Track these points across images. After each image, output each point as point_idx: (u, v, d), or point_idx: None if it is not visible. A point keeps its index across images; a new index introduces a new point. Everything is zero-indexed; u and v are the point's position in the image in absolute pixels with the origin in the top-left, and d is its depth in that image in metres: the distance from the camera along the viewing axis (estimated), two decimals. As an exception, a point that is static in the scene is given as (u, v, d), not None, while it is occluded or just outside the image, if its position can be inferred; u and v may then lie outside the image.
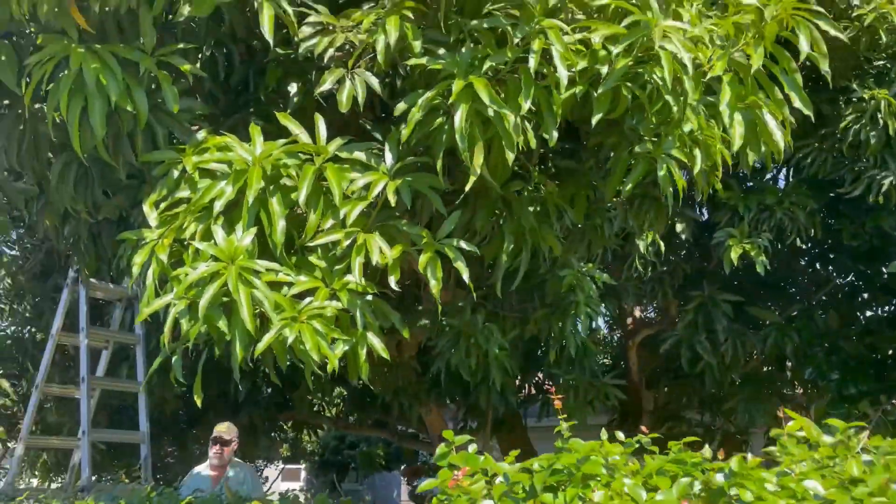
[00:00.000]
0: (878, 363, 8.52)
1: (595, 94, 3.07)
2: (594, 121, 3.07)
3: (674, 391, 11.06)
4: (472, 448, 2.25)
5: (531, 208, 4.28)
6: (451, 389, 9.55)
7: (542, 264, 7.59)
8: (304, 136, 3.23)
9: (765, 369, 9.76)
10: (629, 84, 3.09)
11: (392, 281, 3.07)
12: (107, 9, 3.00)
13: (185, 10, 3.12)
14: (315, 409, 13.62)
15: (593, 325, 7.58)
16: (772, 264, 9.68)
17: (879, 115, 6.36)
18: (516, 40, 2.84)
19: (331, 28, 3.47)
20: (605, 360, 13.45)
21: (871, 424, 7.72)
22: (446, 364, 7.45)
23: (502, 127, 2.78)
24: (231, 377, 4.00)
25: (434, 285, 3.03)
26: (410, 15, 2.96)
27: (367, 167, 3.18)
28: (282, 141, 3.21)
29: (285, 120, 3.26)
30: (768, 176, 8.49)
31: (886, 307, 8.88)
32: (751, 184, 8.09)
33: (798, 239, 7.57)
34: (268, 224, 3.04)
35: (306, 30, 3.49)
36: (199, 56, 3.56)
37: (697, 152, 3.62)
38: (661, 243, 7.40)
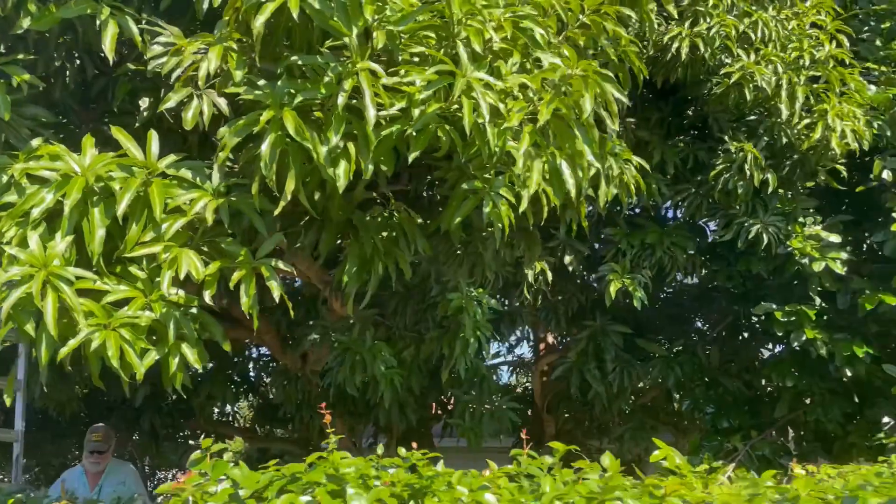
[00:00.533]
0: (753, 400, 8.94)
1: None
2: (410, 158, 3.31)
3: (572, 417, 11.38)
4: (227, 456, 2.43)
5: (384, 233, 4.49)
6: (352, 405, 9.70)
7: (434, 286, 7.84)
8: (135, 151, 3.39)
9: (650, 400, 10.15)
10: (447, 127, 3.34)
11: (206, 296, 3.23)
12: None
13: (25, 23, 3.25)
14: (225, 418, 13.58)
15: (481, 347, 7.78)
16: (660, 300, 10.13)
17: (746, 167, 6.77)
18: (326, 79, 3.05)
19: (182, 49, 3.64)
20: (524, 384, 13.82)
21: (738, 458, 8.10)
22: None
23: (306, 157, 2.98)
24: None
25: (245, 302, 3.20)
26: (234, 46, 3.15)
27: (194, 185, 3.34)
28: (112, 154, 3.35)
29: (118, 134, 3.41)
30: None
31: (763, 347, 9.34)
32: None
33: (678, 277, 7.97)
34: (88, 233, 3.18)
35: (156, 48, 3.65)
36: (48, 67, 3.68)
37: (525, 192, 3.89)
38: (549, 273, 7.66)
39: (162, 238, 3.22)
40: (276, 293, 3.28)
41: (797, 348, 7.33)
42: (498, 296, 8.32)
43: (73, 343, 3.04)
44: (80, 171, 3.26)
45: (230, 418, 13.84)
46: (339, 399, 9.43)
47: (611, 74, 3.51)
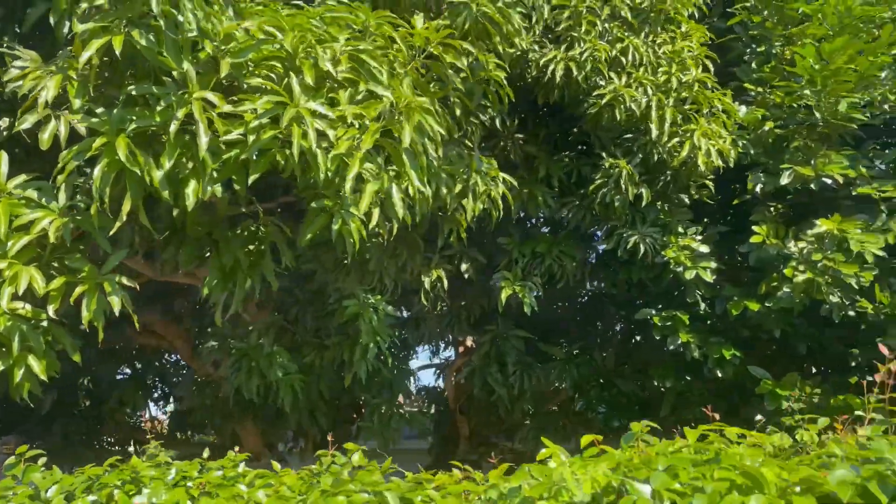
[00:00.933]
0: (645, 400, 9.41)
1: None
2: (250, 180, 3.56)
3: (482, 418, 11.74)
4: (42, 461, 2.66)
5: (251, 246, 4.74)
6: (261, 410, 9.89)
7: (332, 294, 8.08)
8: (-15, 173, 3.57)
9: (559, 402, 10.55)
10: (287, 151, 3.60)
11: (50, 310, 3.43)
12: None
13: None
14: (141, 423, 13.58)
15: (381, 352, 8.04)
16: (560, 306, 10.57)
17: (622, 182, 7.21)
18: (160, 107, 3.29)
19: (40, 72, 3.82)
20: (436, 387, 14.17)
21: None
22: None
23: (140, 179, 3.22)
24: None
25: (86, 316, 3.41)
26: (73, 75, 3.37)
27: (40, 205, 3.54)
28: (-40, 176, 3.52)
29: (-34, 156, 3.58)
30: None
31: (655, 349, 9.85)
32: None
33: (568, 283, 8.39)
34: (-67, 250, 3.34)
35: (13, 72, 3.83)
36: None
37: (376, 210, 4.19)
38: (444, 280, 7.96)
39: (6, 255, 3.40)
40: (117, 307, 3.50)
41: (676, 351, 7.78)
42: (396, 303, 8.62)
43: (-86, 355, 3.20)
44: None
45: (148, 423, 13.82)
46: (250, 404, 9.62)
47: (430, 108, 3.81)
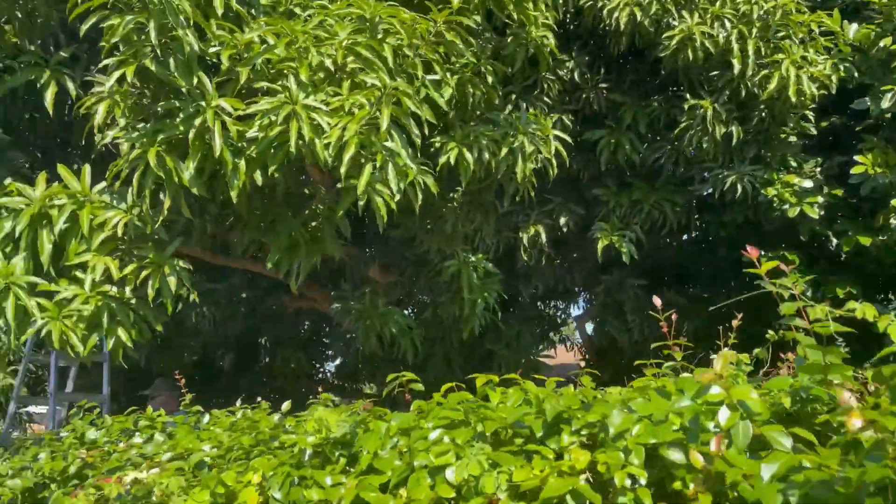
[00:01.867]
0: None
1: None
2: (270, 172, 4.16)
3: (617, 366, 11.85)
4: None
5: (313, 223, 5.39)
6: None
7: (434, 256, 8.64)
8: (74, 182, 4.47)
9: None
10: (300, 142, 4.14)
11: (127, 290, 4.29)
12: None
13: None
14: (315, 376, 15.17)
15: (488, 306, 8.44)
16: (676, 253, 10.34)
17: (707, 122, 7.01)
18: (177, 119, 3.96)
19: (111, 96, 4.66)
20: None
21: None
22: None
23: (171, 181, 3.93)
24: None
25: (150, 294, 4.22)
26: (119, 98, 4.12)
27: (113, 207, 4.38)
28: (56, 186, 4.45)
29: (61, 170, 4.50)
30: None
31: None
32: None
33: (672, 229, 8.27)
34: (40, 249, 4.30)
35: (92, 98, 4.69)
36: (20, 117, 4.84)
37: (399, 184, 4.63)
38: (543, 234, 8.20)
39: (91, 248, 4.28)
40: (173, 286, 4.27)
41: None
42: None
43: (30, 330, 4.18)
44: (31, 202, 4.37)
45: (319, 376, 15.36)
46: (391, 356, 10.53)
47: (409, 91, 4.13)
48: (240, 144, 4.13)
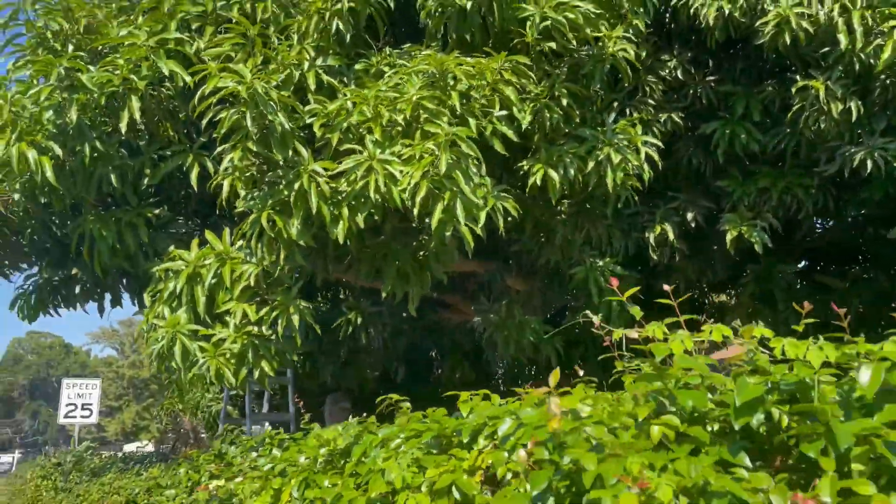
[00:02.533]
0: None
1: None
2: (360, 221, 4.88)
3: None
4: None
5: (421, 253, 6.07)
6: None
7: (562, 264, 8.99)
8: (218, 244, 5.48)
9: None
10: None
11: (264, 328, 5.20)
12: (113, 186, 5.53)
13: (147, 180, 5.53)
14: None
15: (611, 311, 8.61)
16: (830, 234, 9.82)
17: (821, 101, 6.80)
18: (281, 186, 4.79)
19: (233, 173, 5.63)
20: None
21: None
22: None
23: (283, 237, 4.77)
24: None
25: (279, 331, 5.10)
26: (238, 174, 5.04)
27: (247, 262, 5.32)
28: (206, 248, 5.48)
29: (208, 235, 5.53)
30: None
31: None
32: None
33: (808, 213, 8.00)
34: (197, 302, 5.34)
35: (219, 176, 5.68)
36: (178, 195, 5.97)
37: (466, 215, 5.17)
38: (670, 232, 8.29)
39: (233, 297, 5.24)
40: (296, 321, 5.11)
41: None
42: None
43: (194, 370, 5.21)
44: (187, 264, 5.43)
45: (492, 382, 16.06)
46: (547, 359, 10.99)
47: (465, 133, 4.62)
48: (337, 198, 4.88)
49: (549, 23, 5.26)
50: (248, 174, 5.04)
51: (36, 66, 5.05)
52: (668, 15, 7.67)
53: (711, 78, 7.81)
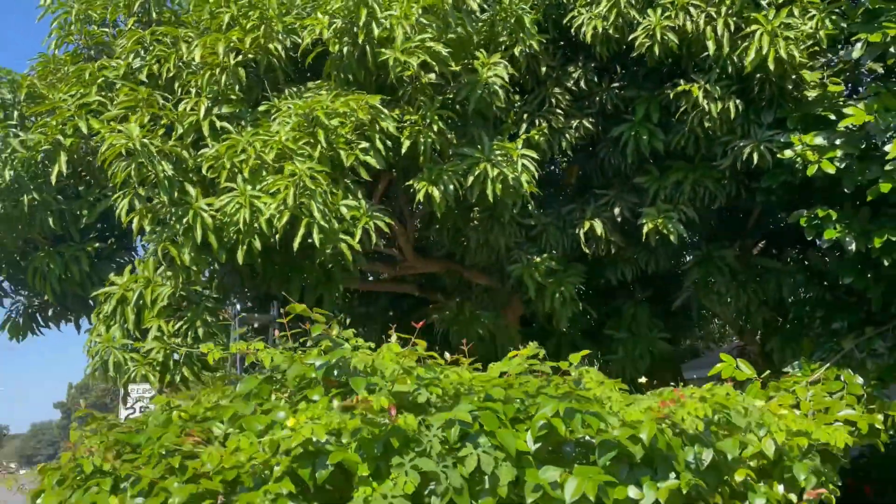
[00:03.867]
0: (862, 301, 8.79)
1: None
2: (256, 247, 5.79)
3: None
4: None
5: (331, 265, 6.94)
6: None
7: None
8: (145, 271, 6.48)
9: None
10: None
11: (179, 340, 6.18)
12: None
13: (84, 221, 6.58)
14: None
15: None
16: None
17: (703, 104, 7.33)
18: (173, 220, 5.75)
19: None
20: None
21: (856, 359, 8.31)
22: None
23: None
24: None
25: (189, 341, 6.07)
26: (144, 213, 6.02)
27: (164, 285, 6.31)
28: (134, 274, 6.49)
29: (137, 263, 6.53)
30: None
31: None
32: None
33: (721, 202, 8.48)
34: (127, 320, 6.35)
35: (131, 215, 6.69)
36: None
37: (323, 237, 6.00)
38: (598, 227, 8.83)
39: (153, 315, 6.24)
40: (202, 333, 6.07)
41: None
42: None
43: (125, 377, 6.22)
44: (118, 289, 6.44)
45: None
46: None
47: (318, 171, 5.47)
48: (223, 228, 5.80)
49: (403, 66, 6.05)
50: (152, 213, 6.01)
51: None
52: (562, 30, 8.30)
53: (616, 84, 8.40)
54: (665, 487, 3.34)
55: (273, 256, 6.63)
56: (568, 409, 3.39)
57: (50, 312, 7.77)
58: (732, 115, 7.36)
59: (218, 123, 6.13)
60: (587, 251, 9.15)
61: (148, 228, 6.02)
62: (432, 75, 6.60)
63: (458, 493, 3.08)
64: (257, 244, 5.71)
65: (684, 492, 3.40)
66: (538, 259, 8.90)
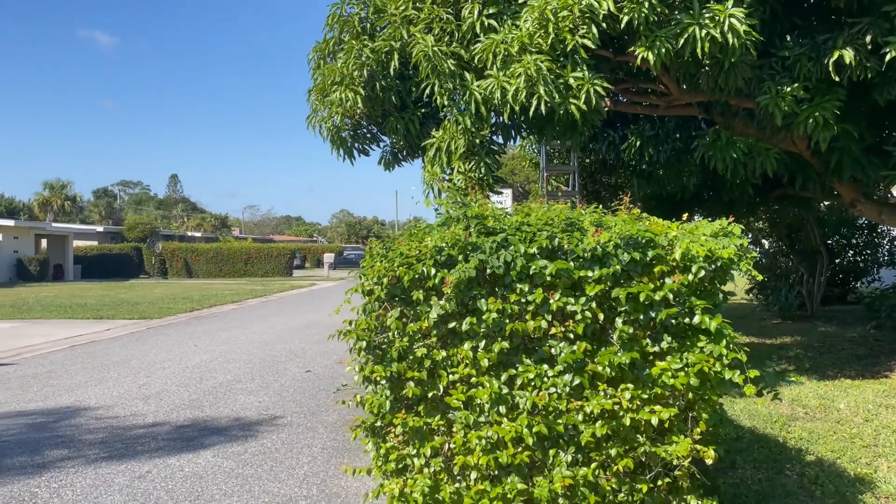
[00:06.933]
0: None
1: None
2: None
3: None
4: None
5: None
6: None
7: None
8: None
9: None
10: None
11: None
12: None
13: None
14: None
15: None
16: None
17: None
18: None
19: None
20: None
21: None
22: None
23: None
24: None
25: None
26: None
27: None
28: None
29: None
30: None
31: None
32: None
33: None
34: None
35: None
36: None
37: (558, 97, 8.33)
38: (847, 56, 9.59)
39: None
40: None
41: None
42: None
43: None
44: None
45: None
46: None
47: (544, 60, 7.72)
48: (486, 100, 8.58)
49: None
50: (447, 93, 9.02)
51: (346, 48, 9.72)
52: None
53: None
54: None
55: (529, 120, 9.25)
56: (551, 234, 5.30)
57: (404, 153, 11.54)
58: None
59: (486, 22, 8.69)
60: (837, 79, 9.85)
61: (446, 103, 9.04)
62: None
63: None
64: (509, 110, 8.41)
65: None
66: (787, 89, 9.95)
